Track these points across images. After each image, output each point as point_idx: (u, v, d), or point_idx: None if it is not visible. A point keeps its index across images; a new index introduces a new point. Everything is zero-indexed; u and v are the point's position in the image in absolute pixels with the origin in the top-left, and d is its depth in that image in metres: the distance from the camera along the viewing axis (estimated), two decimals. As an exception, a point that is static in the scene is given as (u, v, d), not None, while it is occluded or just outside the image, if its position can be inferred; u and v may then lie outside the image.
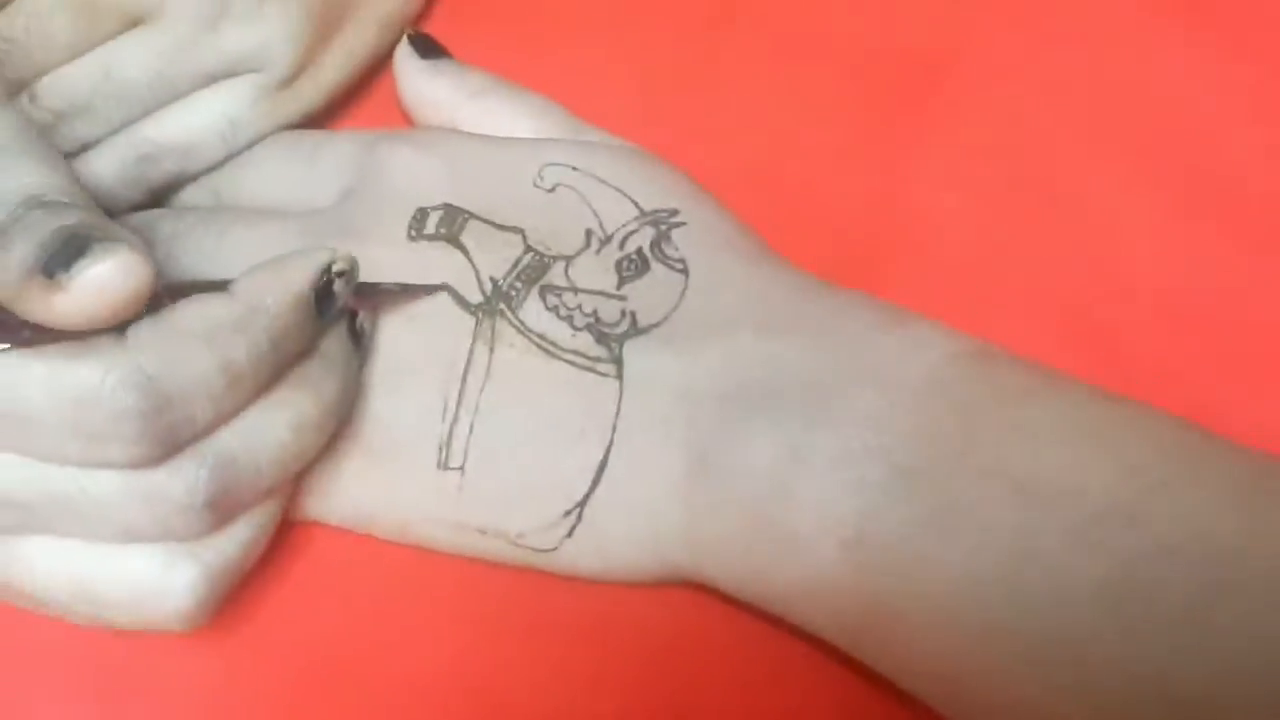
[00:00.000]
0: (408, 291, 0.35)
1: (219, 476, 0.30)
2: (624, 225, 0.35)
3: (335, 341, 0.33)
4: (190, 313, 0.30)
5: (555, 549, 0.34)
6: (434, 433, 0.34)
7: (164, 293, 0.30)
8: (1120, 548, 0.28)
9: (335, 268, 0.32)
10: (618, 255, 0.35)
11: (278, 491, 0.32)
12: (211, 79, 0.38)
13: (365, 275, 0.35)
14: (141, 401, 0.28)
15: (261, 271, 0.31)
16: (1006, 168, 0.39)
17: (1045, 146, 0.39)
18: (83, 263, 0.27)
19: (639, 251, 0.35)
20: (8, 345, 0.28)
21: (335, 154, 0.38)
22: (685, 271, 0.35)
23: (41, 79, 0.37)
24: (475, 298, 0.35)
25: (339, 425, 0.33)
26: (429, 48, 0.40)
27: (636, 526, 0.33)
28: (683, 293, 0.34)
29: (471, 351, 0.34)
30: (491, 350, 0.34)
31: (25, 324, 0.28)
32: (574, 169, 0.36)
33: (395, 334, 0.35)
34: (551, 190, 0.36)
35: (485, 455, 0.34)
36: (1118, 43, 0.40)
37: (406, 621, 0.36)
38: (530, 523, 0.34)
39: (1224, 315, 0.37)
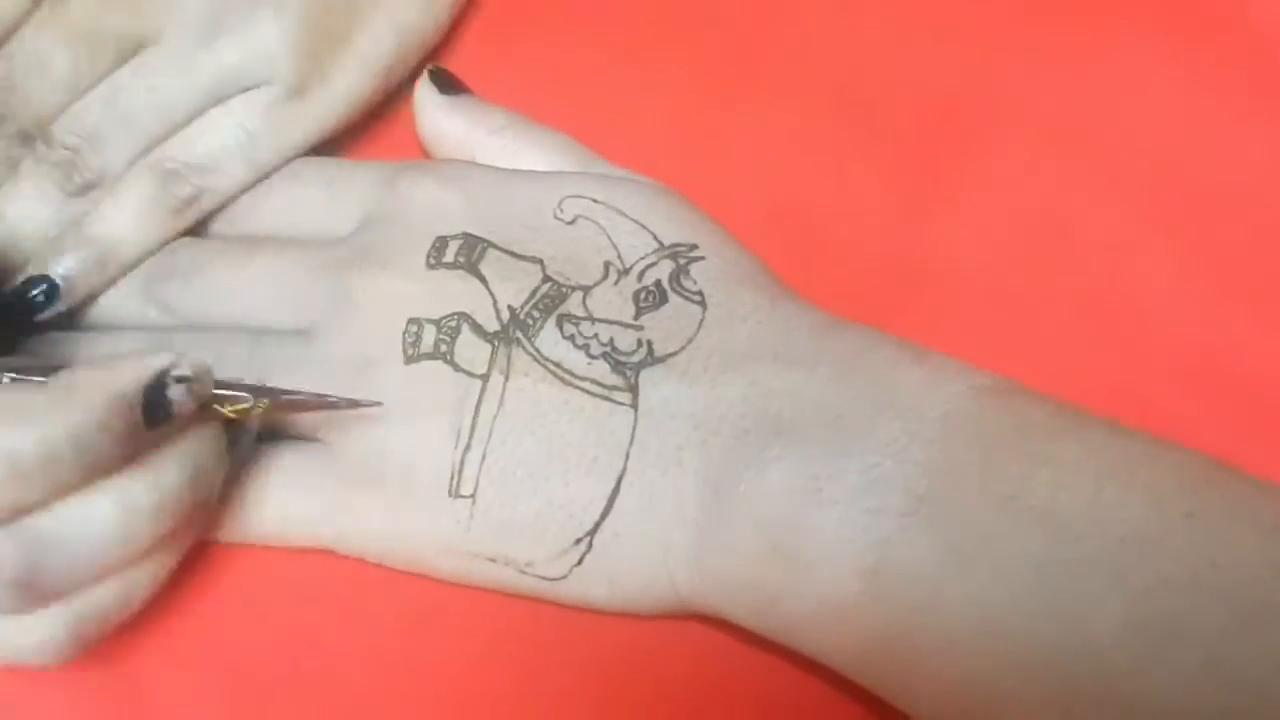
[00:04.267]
0: (324, 403, 0.33)
1: (26, 555, 0.29)
2: (643, 258, 0.36)
3: (196, 437, 0.32)
4: None
5: (564, 577, 0.34)
6: (446, 461, 0.34)
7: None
8: (1143, 578, 0.28)
9: (176, 372, 0.30)
10: (636, 287, 0.35)
11: (140, 561, 0.31)
12: (218, 96, 0.38)
13: (385, 306, 0.35)
14: None
15: (87, 367, 0.30)
16: (1027, 212, 0.39)
17: (1065, 192, 0.39)
18: None
19: (657, 284, 0.35)
20: None
21: (355, 183, 0.38)
22: (703, 304, 0.35)
23: (55, 120, 0.37)
24: (492, 326, 0.35)
25: (185, 515, 0.32)
26: (448, 83, 0.40)
27: (647, 556, 0.33)
28: (700, 324, 0.34)
29: (486, 380, 0.34)
30: (506, 378, 0.34)
31: None
32: (594, 201, 0.36)
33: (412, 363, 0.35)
34: (571, 222, 0.36)
35: (497, 483, 0.34)
36: (1141, 93, 0.41)
37: (413, 653, 0.35)
38: (540, 551, 0.34)
39: (1246, 356, 0.37)
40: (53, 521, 0.29)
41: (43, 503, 0.29)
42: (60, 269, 0.37)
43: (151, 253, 0.38)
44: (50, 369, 0.30)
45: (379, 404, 0.33)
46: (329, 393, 0.33)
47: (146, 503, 0.30)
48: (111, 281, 0.38)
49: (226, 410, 0.32)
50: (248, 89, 0.38)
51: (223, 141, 0.38)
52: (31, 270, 0.37)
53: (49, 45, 0.37)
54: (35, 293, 0.37)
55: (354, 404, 0.33)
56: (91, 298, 0.38)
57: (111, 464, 0.30)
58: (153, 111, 0.38)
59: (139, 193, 0.38)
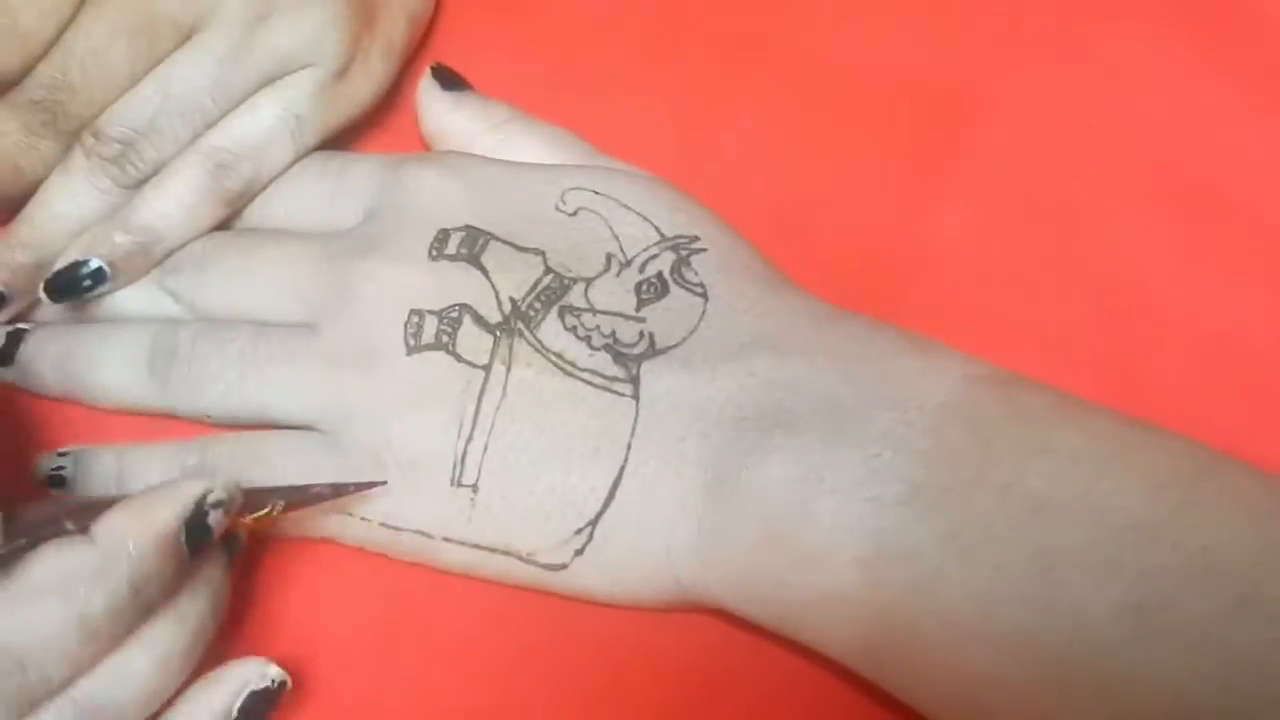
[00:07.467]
0: (340, 490, 0.34)
1: None
2: (645, 249, 0.36)
3: (206, 563, 0.32)
4: (44, 566, 0.29)
5: (566, 566, 0.34)
6: (449, 451, 0.34)
7: (26, 525, 0.29)
8: (1140, 565, 0.28)
9: (212, 498, 0.31)
10: (637, 278, 0.35)
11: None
12: (268, 79, 0.38)
13: (387, 297, 0.35)
14: None
15: (125, 510, 0.30)
16: (1028, 201, 0.39)
17: (1066, 179, 0.39)
18: None
19: (659, 275, 0.35)
20: None
21: (360, 175, 0.39)
22: (705, 296, 0.35)
23: (103, 114, 0.37)
24: (494, 318, 0.35)
25: (209, 642, 0.32)
26: (451, 80, 0.40)
27: (648, 545, 0.33)
28: (702, 316, 0.35)
29: (488, 370, 0.34)
30: (508, 369, 0.34)
31: None
32: (596, 193, 0.37)
33: (414, 354, 0.35)
34: (573, 214, 0.36)
35: (499, 473, 0.34)
36: (1139, 79, 0.41)
37: (415, 645, 0.35)
38: (541, 540, 0.34)
39: (1243, 345, 0.37)
40: (97, 685, 0.29)
41: (93, 664, 0.29)
42: (107, 255, 0.37)
43: (195, 239, 0.38)
44: (70, 512, 0.30)
45: (384, 483, 0.34)
46: (340, 481, 0.34)
47: (179, 648, 0.31)
48: (156, 265, 0.38)
49: (249, 519, 0.32)
50: (292, 72, 0.38)
51: (272, 124, 0.38)
52: (78, 253, 0.37)
53: (106, 36, 0.36)
54: (83, 275, 0.37)
55: (363, 487, 0.34)
56: (136, 280, 0.38)
57: (157, 605, 0.30)
58: (210, 99, 0.37)
59: (189, 183, 0.38)
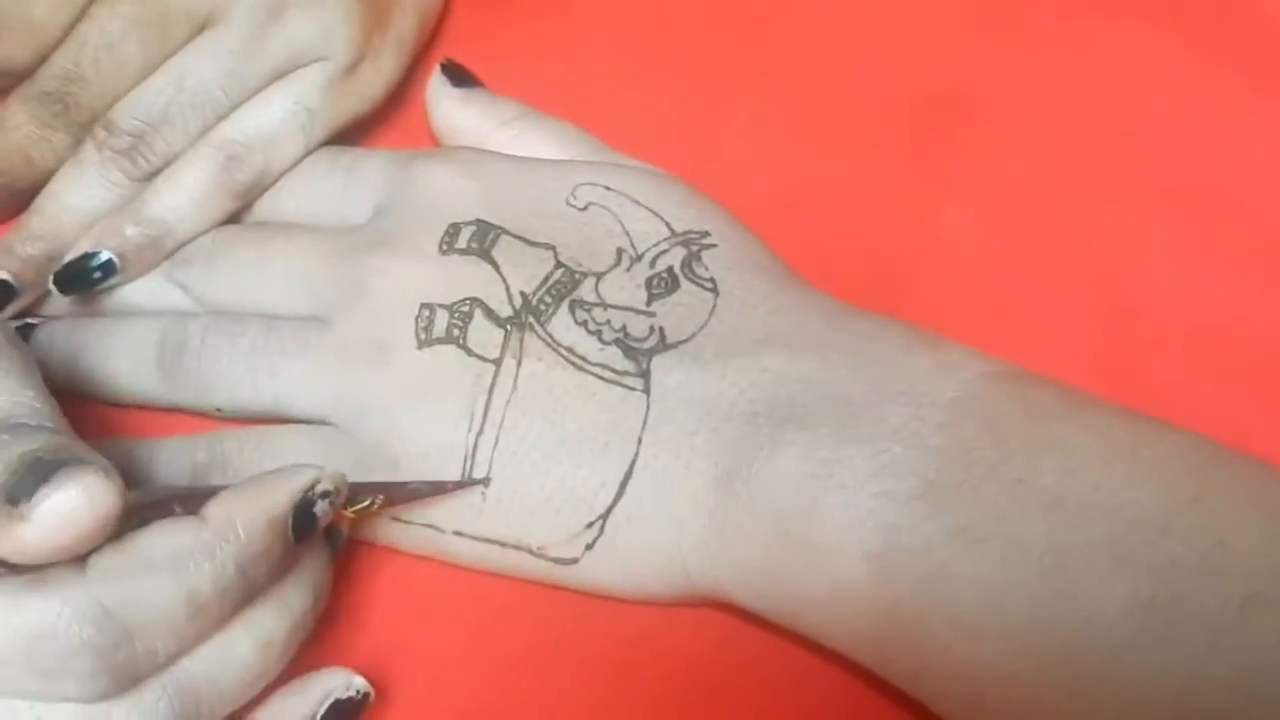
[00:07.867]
0: (437, 488, 0.34)
1: (179, 707, 0.29)
2: (655, 245, 0.36)
3: (310, 553, 0.32)
4: (155, 541, 0.28)
5: (576, 560, 0.34)
6: (460, 444, 0.34)
7: (136, 507, 0.29)
8: (1151, 561, 0.28)
9: (319, 488, 0.31)
10: (648, 273, 0.35)
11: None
12: (279, 72, 0.38)
13: (398, 291, 0.36)
14: (98, 637, 0.27)
15: (237, 494, 0.30)
16: (1028, 199, 0.39)
17: (1066, 178, 0.40)
18: (45, 490, 0.26)
19: (669, 270, 0.35)
20: None
21: (371, 170, 0.39)
22: (715, 291, 0.35)
23: (114, 106, 0.37)
24: (505, 312, 0.35)
25: (308, 633, 0.32)
26: (461, 77, 0.41)
27: (659, 539, 0.33)
28: (712, 311, 0.35)
29: (499, 364, 0.35)
30: (519, 363, 0.35)
31: None
32: (607, 189, 0.37)
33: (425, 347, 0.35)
34: (584, 209, 0.37)
35: (510, 467, 0.34)
36: (1138, 76, 0.41)
37: (425, 641, 0.35)
38: (552, 534, 0.34)
39: (1245, 339, 0.37)
40: (199, 665, 0.29)
41: (198, 643, 0.29)
42: (117, 247, 0.38)
43: (205, 232, 0.39)
44: (178, 497, 0.30)
45: (484, 481, 0.34)
46: (437, 479, 0.34)
47: (280, 634, 0.31)
48: (166, 257, 0.38)
49: (349, 512, 0.33)
50: (304, 65, 0.38)
51: (283, 117, 0.38)
52: (89, 245, 0.38)
53: (120, 29, 0.36)
54: (93, 267, 0.37)
55: (460, 485, 0.34)
56: (146, 273, 0.39)
57: (261, 589, 0.30)
58: (223, 92, 0.38)
59: (200, 175, 0.38)
